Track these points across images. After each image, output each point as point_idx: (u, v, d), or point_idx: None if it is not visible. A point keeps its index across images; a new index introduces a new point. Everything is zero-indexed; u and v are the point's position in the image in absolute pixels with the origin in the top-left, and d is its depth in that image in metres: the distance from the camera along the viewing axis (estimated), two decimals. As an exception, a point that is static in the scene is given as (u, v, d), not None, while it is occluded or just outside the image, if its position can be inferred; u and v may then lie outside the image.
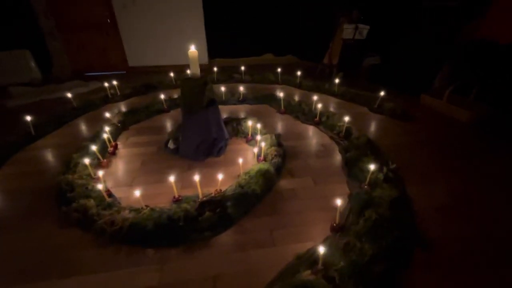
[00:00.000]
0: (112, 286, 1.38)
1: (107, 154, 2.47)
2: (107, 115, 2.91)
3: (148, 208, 1.75)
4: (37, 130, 2.81)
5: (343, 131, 2.74)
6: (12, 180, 2.18)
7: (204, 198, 1.80)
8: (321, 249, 1.31)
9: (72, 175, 2.03)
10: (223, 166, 2.31)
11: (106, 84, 3.75)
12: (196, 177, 1.82)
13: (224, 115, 3.27)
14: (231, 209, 1.74)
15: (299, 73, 4.32)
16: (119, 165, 2.36)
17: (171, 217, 1.66)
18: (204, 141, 2.40)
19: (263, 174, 2.02)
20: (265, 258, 1.53)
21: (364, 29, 4.25)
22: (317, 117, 3.06)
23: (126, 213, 1.67)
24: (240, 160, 2.09)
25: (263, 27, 5.36)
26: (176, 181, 2.07)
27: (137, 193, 1.74)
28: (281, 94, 3.38)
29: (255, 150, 2.25)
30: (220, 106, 3.48)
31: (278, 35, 5.47)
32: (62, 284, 1.38)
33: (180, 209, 1.70)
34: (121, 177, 2.22)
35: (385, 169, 2.08)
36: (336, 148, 2.62)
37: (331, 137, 2.79)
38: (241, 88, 3.70)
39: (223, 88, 3.70)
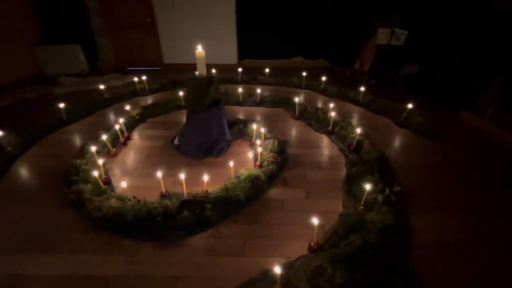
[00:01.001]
0: (82, 269, 1.47)
1: (118, 144, 2.64)
2: (127, 107, 3.12)
3: (134, 199, 1.82)
4: (69, 116, 3.14)
5: (354, 144, 2.53)
6: (35, 159, 2.46)
7: (187, 197, 1.82)
8: (277, 269, 1.21)
9: (80, 160, 2.22)
10: (220, 167, 2.31)
11: (136, 79, 4.03)
12: (182, 176, 1.85)
13: (240, 117, 3.28)
14: (209, 212, 1.72)
15: (323, 78, 4.13)
16: (126, 156, 2.52)
17: (150, 211, 1.70)
18: (205, 141, 2.43)
19: (252, 180, 1.97)
20: (231, 267, 1.48)
21: (402, 34, 3.88)
22: (330, 126, 2.88)
23: (112, 202, 1.77)
24: (231, 163, 2.06)
25: (294, 29, 5.24)
26: (170, 177, 2.15)
27: (123, 184, 1.82)
28: (296, 99, 3.26)
29: (250, 154, 2.20)
30: (236, 108, 3.60)
31: (310, 37, 5.30)
32: (41, 258, 1.52)
33: (161, 205, 1.74)
34: (124, 167, 2.36)
35: (387, 191, 1.86)
36: (343, 161, 2.43)
37: (341, 149, 2.60)
38: (259, 90, 3.66)
39: (240, 89, 3.70)
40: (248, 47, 5.55)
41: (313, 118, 3.14)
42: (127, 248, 1.59)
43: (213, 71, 4.47)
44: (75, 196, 1.87)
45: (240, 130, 2.79)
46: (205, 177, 1.89)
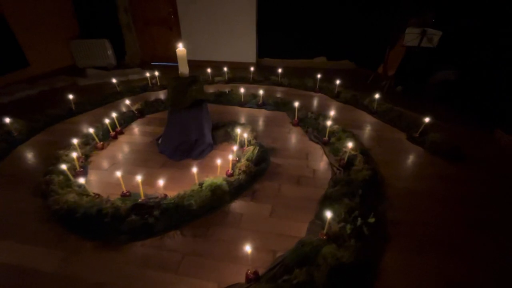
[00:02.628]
0: (20, 259, 1.50)
1: (109, 137, 2.71)
2: (127, 102, 3.21)
3: (94, 196, 1.83)
4: (79, 107, 3.34)
5: (345, 159, 2.23)
6: (35, 145, 2.65)
7: (141, 201, 1.76)
8: None
9: (63, 151, 2.32)
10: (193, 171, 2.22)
11: (147, 74, 4.15)
12: (139, 177, 1.80)
13: (238, 118, 3.16)
14: (154, 220, 1.64)
15: (338, 82, 3.77)
16: (111, 149, 2.57)
17: (100, 211, 1.68)
18: (184, 142, 2.36)
19: (212, 190, 1.84)
20: (157, 284, 1.38)
21: (435, 35, 3.34)
22: (326, 136, 2.60)
23: (70, 196, 1.79)
24: (195, 169, 1.95)
25: (317, 27, 4.90)
26: (146, 177, 2.12)
27: (81, 180, 1.84)
28: (296, 104, 3.01)
29: (219, 161, 2.06)
30: (236, 108, 3.48)
31: (333, 36, 4.91)
32: (-6, 244, 1.59)
33: (112, 205, 1.71)
34: (105, 160, 2.41)
35: (359, 221, 1.58)
36: (328, 178, 2.16)
37: (331, 163, 2.32)
38: (261, 92, 3.48)
39: (242, 90, 3.56)
40: (268, 45, 5.37)
41: (312, 126, 2.87)
42: (70, 245, 1.59)
43: (225, 69, 4.40)
44: (44, 186, 1.95)
45: (227, 133, 2.67)
46: (161, 181, 1.82)
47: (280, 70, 4.30)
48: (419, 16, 3.63)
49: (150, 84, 4.16)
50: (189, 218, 1.73)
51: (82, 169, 2.18)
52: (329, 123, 2.57)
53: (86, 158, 2.38)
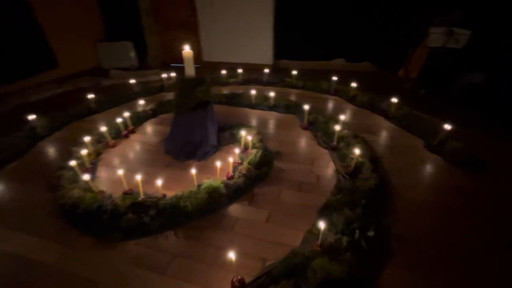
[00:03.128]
0: (24, 250, 1.58)
1: (121, 136, 2.81)
2: (141, 102, 3.32)
3: (96, 192, 1.90)
4: (99, 106, 3.51)
5: (352, 166, 2.11)
6: (55, 141, 2.81)
7: (140, 200, 1.79)
8: None
9: (77, 148, 2.43)
10: (197, 172, 2.22)
11: (164, 75, 4.27)
12: (138, 176, 1.83)
13: (249, 120, 3.14)
14: (149, 219, 1.66)
15: (353, 84, 3.62)
16: (122, 148, 2.66)
17: (100, 207, 1.73)
18: (188, 143, 2.38)
19: (209, 192, 1.82)
20: (143, 284, 1.39)
21: (463, 35, 3.10)
22: (335, 141, 2.49)
23: (75, 192, 1.87)
24: (193, 171, 1.95)
25: (335, 28, 4.75)
26: (144, 176, 2.16)
27: (86, 176, 1.91)
28: (306, 107, 2.92)
29: (219, 163, 2.04)
30: (246, 110, 3.46)
31: (353, 38, 4.72)
32: (5, 233, 1.70)
33: (112, 202, 1.76)
34: (115, 158, 2.49)
35: (357, 234, 1.48)
36: (332, 185, 2.06)
37: (337, 170, 2.21)
38: (272, 94, 3.43)
39: (253, 92, 3.53)
40: (285, 47, 5.30)
41: (322, 130, 2.77)
42: (70, 240, 1.65)
43: (239, 70, 4.41)
44: (55, 181, 2.05)
45: (232, 135, 2.65)
46: (159, 181, 1.84)
47: (294, 72, 4.21)
48: (445, 14, 3.38)
49: (166, 85, 4.27)
50: (184, 219, 1.73)
51: (91, 166, 2.27)
52: (337, 127, 2.46)
53: (97, 155, 2.48)
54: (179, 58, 6.11)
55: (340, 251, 1.43)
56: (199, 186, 1.89)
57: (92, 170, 2.25)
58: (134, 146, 2.69)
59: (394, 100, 3.06)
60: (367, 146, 2.38)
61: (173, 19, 5.54)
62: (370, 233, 1.48)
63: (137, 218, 1.68)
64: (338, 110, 3.44)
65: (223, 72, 4.44)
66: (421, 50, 3.58)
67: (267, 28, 5.08)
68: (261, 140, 2.52)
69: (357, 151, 2.09)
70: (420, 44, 3.62)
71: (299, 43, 5.14)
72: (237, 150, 2.22)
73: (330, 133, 2.65)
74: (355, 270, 1.32)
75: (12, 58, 3.93)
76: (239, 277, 1.34)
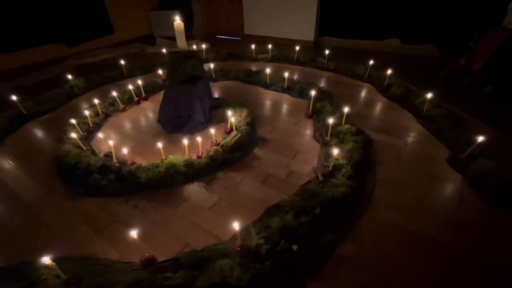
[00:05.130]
0: (15, 184, 1.92)
1: (133, 102, 3.04)
2: (160, 71, 3.47)
3: (83, 149, 2.13)
4: (129, 72, 3.83)
5: (330, 167, 1.84)
6: (86, 100, 3.20)
7: (112, 163, 1.93)
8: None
9: (88, 108, 2.74)
10: (178, 145, 2.26)
11: (194, 47, 4.33)
12: (110, 142, 1.97)
13: (260, 101, 3.00)
14: (106, 182, 1.79)
15: (389, 72, 3.03)
16: (129, 113, 2.88)
17: (76, 164, 1.95)
18: (177, 116, 2.42)
19: (167, 168, 1.85)
20: (81, 238, 1.54)
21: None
22: (328, 136, 2.18)
23: (66, 146, 2.14)
24: (160, 144, 1.97)
25: (390, 1, 3.94)
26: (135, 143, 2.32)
27: (73, 134, 2.14)
28: (312, 93, 2.60)
29: (185, 141, 2.01)
30: (261, 90, 3.28)
31: (412, 14, 3.86)
32: (11, 165, 2.08)
33: (87, 161, 1.95)
34: (120, 122, 2.72)
35: (281, 244, 1.31)
36: (299, 184, 1.84)
37: (314, 169, 1.96)
38: (286, 74, 3.14)
39: (268, 70, 3.30)
40: (330, 22, 4.71)
41: (322, 121, 2.45)
42: (51, 187, 1.92)
43: (269, 46, 4.15)
44: (62, 135, 2.37)
45: (225, 114, 2.57)
46: (125, 149, 1.94)
47: (327, 52, 3.74)
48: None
49: (196, 57, 4.34)
50: (137, 189, 1.81)
51: (94, 126, 2.54)
52: (331, 120, 2.13)
53: (106, 117, 2.76)
54: (223, 30, 6.15)
55: (259, 257, 1.29)
56: (162, 160, 1.93)
57: (94, 130, 2.51)
58: (139, 113, 2.88)
59: (429, 95, 2.45)
60: (362, 147, 2.00)
61: (218, -12, 5.46)
62: (294, 247, 1.29)
63: (99, 179, 1.83)
64: (362, 100, 2.98)
65: (252, 46, 4.24)
66: (491, 35, 2.69)
67: (311, 1, 4.55)
68: (250, 123, 2.39)
69: (335, 151, 1.79)
70: (492, 28, 2.72)
71: (346, 18, 4.49)
72: (212, 130, 2.15)
73: (333, 126, 2.32)
74: (263, 283, 1.19)
75: (74, 24, 4.52)
76: (151, 255, 1.36)
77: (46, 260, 1.17)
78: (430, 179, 1.86)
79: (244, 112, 2.44)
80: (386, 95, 3.01)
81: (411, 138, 2.30)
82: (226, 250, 1.34)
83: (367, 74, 3.34)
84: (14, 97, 2.70)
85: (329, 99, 2.78)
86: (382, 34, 4.34)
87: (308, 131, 2.45)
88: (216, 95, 3.22)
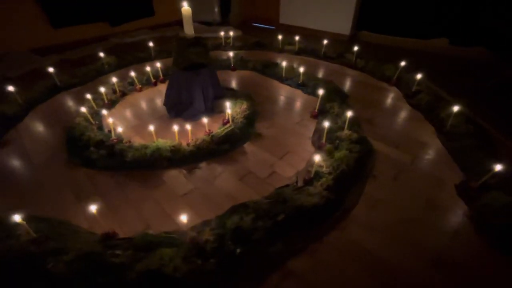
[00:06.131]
0: (33, 146, 2.19)
1: (151, 83, 3.19)
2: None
3: (90, 123, 2.32)
4: (157, 54, 4.02)
5: (312, 174, 1.72)
6: (112, 77, 3.44)
7: (110, 140, 2.08)
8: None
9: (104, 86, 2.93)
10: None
11: (222, 34, 4.33)
12: (110, 120, 2.11)
13: (276, 94, 2.93)
14: (96, 156, 1.94)
15: (418, 76, 2.68)
16: (144, 93, 3.03)
17: (81, 136, 2.13)
18: (179, 102, 2.48)
19: (153, 151, 1.92)
20: (63, 203, 1.70)
21: None
22: (324, 139, 2.03)
23: (77, 119, 2.35)
24: (151, 127, 2.04)
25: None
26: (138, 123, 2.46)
27: (82, 109, 2.33)
28: (320, 91, 2.43)
29: (176, 127, 2.04)
30: (275, 83, 3.19)
31: (466, 12, 3.31)
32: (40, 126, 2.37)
33: (88, 135, 2.12)
34: (134, 101, 2.89)
35: (227, 244, 1.27)
36: (276, 186, 1.77)
37: (297, 173, 1.85)
38: (301, 70, 2.98)
39: (284, 63, 3.16)
40: (371, 15, 4.30)
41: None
42: (56, 155, 2.14)
43: (296, 38, 3.96)
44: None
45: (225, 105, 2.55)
46: (123, 128, 2.05)
47: (356, 48, 3.44)
48: None
49: (223, 44, 4.36)
50: (123, 166, 1.92)
51: (108, 102, 2.73)
52: (326, 124, 1.97)
53: (123, 95, 2.95)
54: (259, 18, 6.02)
55: (203, 253, 1.29)
56: (153, 143, 2.01)
57: (108, 106, 2.71)
58: (153, 94, 3.01)
59: (456, 108, 2.11)
60: (355, 157, 1.82)
61: (258, -26, 5.32)
62: (237, 250, 1.25)
63: (93, 153, 1.99)
64: (383, 105, 2.70)
65: (279, 37, 4.09)
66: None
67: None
68: (248, 117, 2.34)
69: (317, 158, 1.66)
70: None
71: (389, 12, 4.05)
72: (205, 120, 2.16)
73: (335, 129, 2.16)
74: (198, 278, 1.19)
75: (119, 5, 4.84)
76: (112, 231, 1.44)
77: (17, 218, 1.31)
78: (425, 205, 1.62)
79: (244, 105, 2.39)
80: (411, 102, 2.68)
81: (422, 155, 2.02)
82: (177, 241, 1.36)
83: (396, 76, 3.00)
84: (51, 69, 3.03)
85: (341, 100, 2.58)
86: (429, 32, 3.82)
87: (308, 132, 2.31)
88: (232, 84, 3.21)
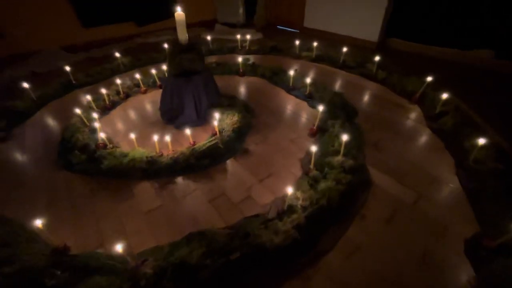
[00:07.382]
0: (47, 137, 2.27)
1: (156, 86, 3.18)
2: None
3: (86, 126, 2.35)
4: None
5: (284, 206, 1.51)
6: (125, 77, 3.53)
7: (99, 142, 2.07)
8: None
9: (110, 86, 2.98)
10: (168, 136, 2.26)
11: (238, 36, 4.20)
12: (96, 124, 2.10)
13: (278, 106, 2.74)
14: (76, 160, 1.93)
15: (444, 96, 2.28)
16: (149, 96, 3.02)
17: (71, 137, 2.16)
18: (171, 109, 2.41)
19: (128, 160, 1.86)
20: (52, 202, 1.71)
21: None
22: (312, 165, 1.80)
23: (73, 120, 2.39)
24: (132, 135, 1.98)
25: (487, 4, 2.91)
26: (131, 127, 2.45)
27: (77, 110, 2.36)
28: (320, 108, 2.17)
29: (156, 137, 1.95)
30: (282, 93, 3.00)
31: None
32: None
33: (77, 138, 2.14)
34: (135, 103, 2.90)
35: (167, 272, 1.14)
36: (252, 213, 1.59)
37: (273, 201, 1.64)
38: (308, 81, 2.72)
39: (291, 72, 2.92)
40: (403, 21, 3.85)
41: (324, 143, 2.04)
42: (50, 156, 2.20)
43: (314, 44, 3.69)
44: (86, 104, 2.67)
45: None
46: (102, 134, 2.03)
47: (377, 58, 3.08)
48: None
49: (239, 47, 4.24)
50: (98, 173, 1.88)
51: (110, 104, 2.76)
52: (314, 148, 1.72)
53: (127, 96, 2.97)
54: (283, 20, 5.78)
55: (138, 287, 1.17)
56: (134, 149, 1.96)
57: (109, 108, 2.74)
58: (156, 97, 2.97)
59: (482, 140, 1.72)
60: (341, 191, 1.56)
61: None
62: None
63: (76, 157, 1.99)
64: (398, 127, 2.35)
65: (297, 42, 3.84)
66: None
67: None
68: (237, 130, 2.18)
69: (290, 189, 1.44)
70: None
71: (424, 18, 3.57)
72: (187, 130, 2.04)
73: (331, 152, 1.91)
74: None
75: (146, 5, 4.98)
76: (63, 246, 1.39)
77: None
78: (418, 260, 1.32)
79: (235, 117, 2.24)
80: (432, 125, 2.29)
81: (430, 193, 1.68)
82: (118, 269, 1.25)
83: (420, 92, 2.60)
84: (67, 68, 3.17)
85: (347, 117, 2.29)
86: (471, 42, 3.29)
87: (300, 152, 2.07)
88: (235, 91, 3.08)
